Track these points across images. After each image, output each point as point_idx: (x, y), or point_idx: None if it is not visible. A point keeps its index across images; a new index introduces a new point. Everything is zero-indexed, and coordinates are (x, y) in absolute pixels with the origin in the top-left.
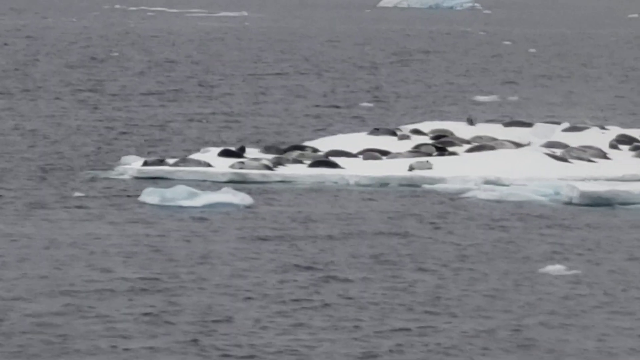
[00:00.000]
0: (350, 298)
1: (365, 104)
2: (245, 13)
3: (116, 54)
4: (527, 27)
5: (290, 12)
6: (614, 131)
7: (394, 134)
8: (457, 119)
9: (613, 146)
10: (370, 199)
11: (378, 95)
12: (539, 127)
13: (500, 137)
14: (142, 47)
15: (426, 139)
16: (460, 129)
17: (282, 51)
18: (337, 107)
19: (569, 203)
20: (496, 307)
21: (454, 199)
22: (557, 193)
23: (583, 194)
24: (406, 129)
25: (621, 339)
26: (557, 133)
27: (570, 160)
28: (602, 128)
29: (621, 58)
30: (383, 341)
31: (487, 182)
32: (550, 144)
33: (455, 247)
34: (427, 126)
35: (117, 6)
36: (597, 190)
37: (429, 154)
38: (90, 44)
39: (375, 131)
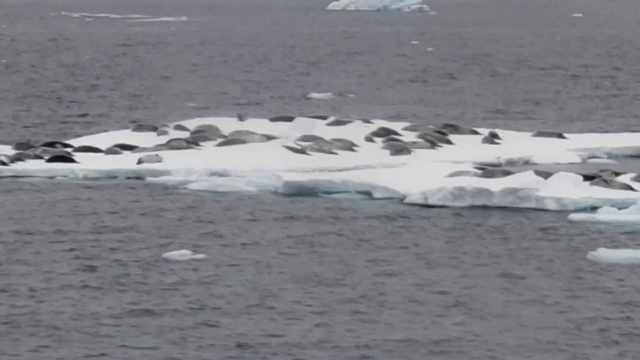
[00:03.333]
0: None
1: (191, 104)
2: (184, 18)
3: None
4: (459, 27)
5: (233, 16)
6: (378, 124)
7: (156, 129)
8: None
9: (368, 139)
10: (86, 192)
11: (214, 95)
12: (299, 121)
13: (260, 132)
14: (39, 53)
15: (186, 134)
16: (228, 124)
17: (178, 54)
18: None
19: (275, 192)
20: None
21: (166, 190)
22: (269, 184)
23: (287, 184)
24: (172, 125)
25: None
26: (318, 127)
27: (309, 152)
28: (367, 122)
29: (510, 58)
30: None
31: (213, 174)
32: (306, 138)
33: (122, 234)
34: (196, 122)
35: (63, 13)
36: (300, 180)
37: (179, 148)
38: None
39: (139, 127)
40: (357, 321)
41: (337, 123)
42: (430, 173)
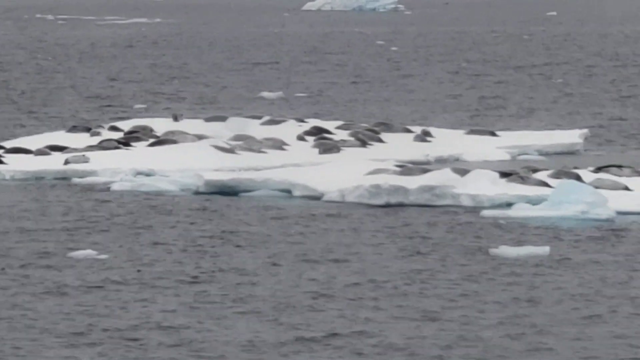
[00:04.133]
0: None
1: (138, 106)
2: (158, 19)
3: None
4: (432, 26)
5: (208, 16)
6: (312, 123)
7: (90, 130)
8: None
9: (300, 138)
10: (10, 193)
11: (167, 95)
12: (232, 121)
13: (193, 132)
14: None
15: (120, 135)
16: (163, 124)
17: (143, 55)
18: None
19: (196, 192)
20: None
21: (89, 191)
22: (191, 183)
23: (208, 183)
24: (107, 126)
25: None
26: (251, 127)
27: (237, 152)
28: (301, 121)
29: (476, 56)
30: None
31: (139, 174)
32: (238, 137)
33: (34, 234)
34: (131, 123)
35: (38, 15)
36: (221, 179)
37: (110, 149)
38: None
39: (73, 128)
40: (256, 318)
41: (271, 122)
42: (350, 171)
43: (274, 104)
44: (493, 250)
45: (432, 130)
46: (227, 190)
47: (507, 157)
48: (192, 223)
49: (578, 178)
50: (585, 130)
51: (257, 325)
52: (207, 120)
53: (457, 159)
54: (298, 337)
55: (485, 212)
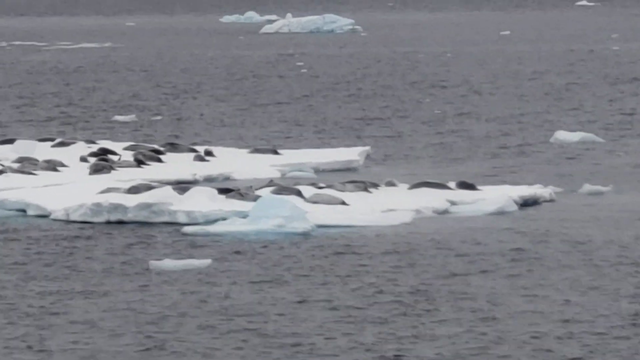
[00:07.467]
0: None
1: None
2: (107, 44)
3: None
4: (377, 47)
5: (161, 41)
6: (101, 144)
7: None
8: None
9: (83, 159)
10: None
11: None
12: (19, 143)
13: None
14: None
15: None
16: None
17: (57, 82)
18: None
19: None
20: None
21: None
22: None
23: None
24: None
25: None
26: (39, 149)
27: (7, 173)
28: (92, 143)
29: (384, 79)
30: None
31: None
32: (21, 159)
33: None
34: None
35: None
36: None
37: None
38: None
39: None
40: None
41: (61, 144)
42: (86, 190)
43: (124, 127)
44: (154, 263)
45: (215, 149)
46: None
47: (277, 174)
48: None
49: (298, 193)
50: (367, 148)
51: None
52: (1, 143)
53: (227, 178)
54: None
55: (186, 228)
